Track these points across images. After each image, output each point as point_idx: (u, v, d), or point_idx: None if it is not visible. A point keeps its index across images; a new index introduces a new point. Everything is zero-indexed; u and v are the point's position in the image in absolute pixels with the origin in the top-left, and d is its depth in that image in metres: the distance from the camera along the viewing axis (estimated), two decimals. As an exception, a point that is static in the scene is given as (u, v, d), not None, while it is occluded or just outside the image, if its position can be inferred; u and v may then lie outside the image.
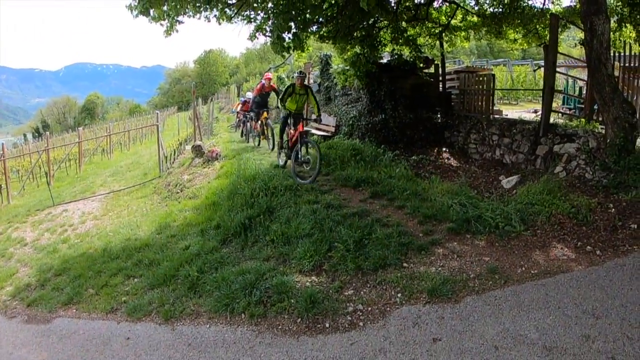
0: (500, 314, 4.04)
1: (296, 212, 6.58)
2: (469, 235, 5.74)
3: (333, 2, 9.01)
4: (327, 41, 10.53)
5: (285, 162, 9.42)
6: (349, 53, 11.11)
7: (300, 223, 6.15)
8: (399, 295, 4.52)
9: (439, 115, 12.45)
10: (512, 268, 4.91)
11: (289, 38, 8.14)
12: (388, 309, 4.39)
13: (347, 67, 11.67)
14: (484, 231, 5.75)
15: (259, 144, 13.34)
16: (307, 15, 8.13)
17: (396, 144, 10.90)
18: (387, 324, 4.15)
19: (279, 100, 9.86)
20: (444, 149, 11.43)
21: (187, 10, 7.92)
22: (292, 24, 7.97)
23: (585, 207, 6.17)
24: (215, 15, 8.29)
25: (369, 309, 4.41)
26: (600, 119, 8.35)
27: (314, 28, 9.82)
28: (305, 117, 9.77)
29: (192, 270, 5.67)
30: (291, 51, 8.75)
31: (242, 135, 16.37)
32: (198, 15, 8.17)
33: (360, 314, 4.36)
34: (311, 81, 16.23)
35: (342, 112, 12.81)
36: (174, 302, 5.20)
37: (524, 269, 4.89)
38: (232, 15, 8.31)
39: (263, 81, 13.44)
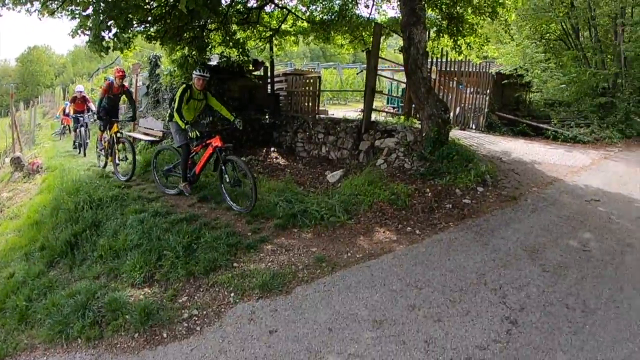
0: (330, 299, 4.34)
1: (123, 223, 6.36)
2: (295, 229, 6.10)
3: (163, 2, 8.89)
4: (154, 42, 10.22)
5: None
6: (177, 54, 10.95)
7: (128, 234, 5.95)
8: (232, 294, 4.61)
9: (267, 116, 12.90)
10: (338, 255, 5.32)
11: (110, 37, 7.72)
12: (223, 309, 4.44)
13: (175, 69, 11.48)
14: (310, 224, 6.16)
15: (105, 166, 10.04)
16: (130, 15, 7.75)
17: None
18: (223, 324, 4.21)
19: (172, 111, 7.23)
20: (272, 148, 11.92)
21: (5, 1, 7.21)
22: (111, 22, 7.55)
23: (404, 194, 7.06)
24: (37, 10, 7.48)
25: (205, 312, 4.43)
26: (417, 115, 9.49)
27: (141, 28, 9.50)
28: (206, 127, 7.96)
29: (19, 300, 5.16)
30: (111, 51, 8.27)
31: (74, 147, 13.36)
32: (19, 7, 7.38)
33: (197, 318, 4.35)
34: (139, 83, 15.52)
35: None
36: (6, 338, 4.72)
37: (349, 254, 5.34)
38: (55, 9, 7.57)
39: (111, 78, 10.12)
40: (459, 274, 4.90)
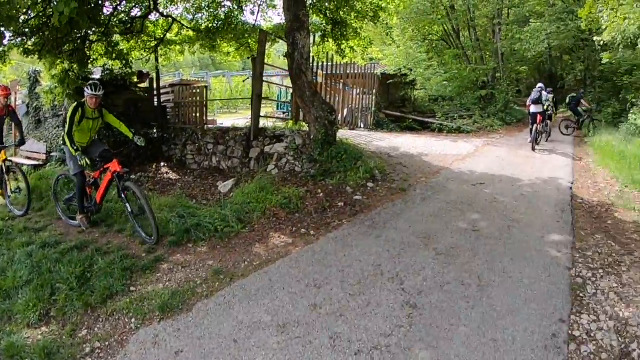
0: (232, 310, 4.34)
1: (11, 259, 5.80)
2: (190, 244, 6.03)
3: (40, 12, 8.36)
4: (32, 55, 9.54)
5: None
6: (58, 69, 10.32)
7: (17, 271, 5.44)
8: (133, 320, 4.42)
9: (155, 130, 12.58)
10: (236, 265, 5.35)
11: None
12: (125, 337, 4.25)
13: (56, 85, 10.86)
14: (204, 237, 6.13)
15: None
16: (2, 28, 7.19)
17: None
18: (127, 352, 4.03)
19: (64, 136, 6.38)
20: (162, 163, 11.68)
21: None
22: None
23: (296, 197, 7.31)
24: None
25: (107, 343, 4.21)
26: (305, 119, 9.77)
27: (17, 41, 8.93)
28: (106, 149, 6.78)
29: None
30: None
31: None
32: None
33: (99, 351, 4.12)
34: (19, 102, 14.42)
35: (54, 136, 11.92)
36: None
37: (247, 263, 5.40)
38: None
39: None
40: (356, 268, 5.13)
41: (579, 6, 19.41)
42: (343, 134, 11.48)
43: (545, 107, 14.83)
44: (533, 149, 13.71)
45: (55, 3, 6.51)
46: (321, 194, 7.70)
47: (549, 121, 16.02)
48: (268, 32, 11.54)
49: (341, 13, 11.80)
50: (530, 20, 25.19)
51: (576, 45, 27.25)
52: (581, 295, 4.72)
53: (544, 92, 14.92)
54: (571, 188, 9.19)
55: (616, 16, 11.95)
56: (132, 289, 5.01)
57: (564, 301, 4.53)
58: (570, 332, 4.04)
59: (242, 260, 5.47)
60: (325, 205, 7.29)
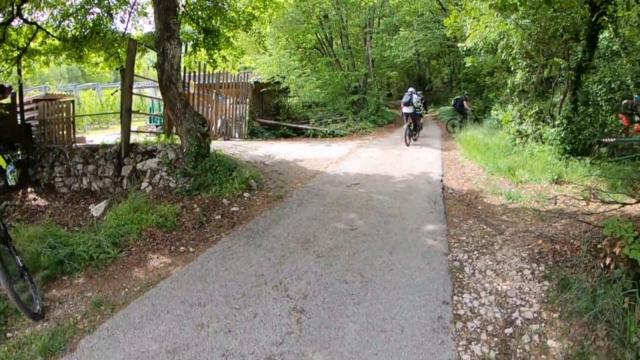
0: (117, 343, 4.21)
1: None
2: (66, 277, 5.70)
3: None
4: None
5: None
6: None
7: None
8: None
9: (19, 152, 11.60)
10: (116, 294, 5.18)
11: None
12: None
13: None
14: (80, 267, 5.81)
15: None
16: None
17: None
18: None
19: None
20: (29, 189, 10.79)
21: None
22: None
23: (172, 214, 7.21)
24: None
25: None
26: (177, 132, 9.63)
27: None
28: None
29: None
30: None
31: None
32: None
33: None
34: None
35: None
36: None
37: (127, 290, 5.26)
38: None
39: None
40: (239, 280, 5.22)
41: (445, 16, 21.31)
42: (217, 145, 11.48)
43: (415, 108, 16.41)
44: (407, 144, 15.90)
45: None
46: (197, 209, 7.67)
47: (419, 120, 17.52)
48: (138, 41, 11.21)
49: (213, 22, 11.76)
50: (400, 29, 27.04)
51: (442, 51, 29.80)
52: (460, 276, 5.24)
53: (414, 95, 16.51)
54: (442, 180, 10.05)
55: (478, 25, 13.26)
56: (8, 335, 4.65)
57: (444, 284, 4.99)
58: (454, 311, 4.47)
59: (121, 288, 5.32)
60: (202, 220, 7.28)
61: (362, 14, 26.33)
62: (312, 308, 4.56)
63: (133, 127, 10.25)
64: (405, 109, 16.31)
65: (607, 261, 4.70)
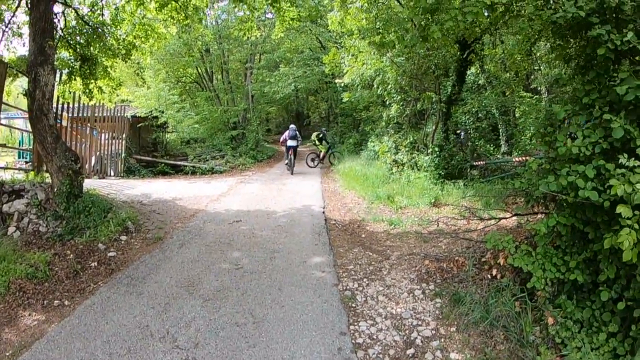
0: None
1: None
2: None
3: None
4: None
5: None
6: None
7: None
8: None
9: None
10: (-19, 360, 4.41)
11: None
12: None
13: None
14: None
15: None
16: None
17: None
18: None
19: None
20: None
21: None
22: None
23: (43, 263, 6.33)
24: None
25: None
26: (47, 169, 8.81)
27: None
28: None
29: None
30: None
31: None
32: None
33: None
34: None
35: None
36: None
37: (-4, 354, 4.50)
38: None
39: None
40: (122, 334, 4.70)
41: (324, 53, 22.08)
42: (92, 183, 10.73)
43: (299, 142, 18.74)
44: (291, 173, 18.13)
45: None
46: (71, 256, 6.87)
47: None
48: (9, 65, 10.14)
49: (92, 49, 11.06)
50: (280, 65, 27.51)
51: (320, 87, 30.77)
52: (353, 305, 5.23)
53: (296, 131, 18.44)
54: (324, 212, 10.19)
55: (356, 61, 13.91)
56: None
57: (339, 315, 4.93)
58: (353, 341, 4.42)
59: (-12, 352, 4.54)
60: (77, 268, 6.48)
61: (244, 50, 26.53)
62: (205, 357, 4.24)
63: (0, 163, 9.16)
64: (290, 142, 18.42)
65: (494, 272, 5.10)
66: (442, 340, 4.37)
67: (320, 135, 21.07)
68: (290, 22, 12.83)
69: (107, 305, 5.42)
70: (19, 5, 10.52)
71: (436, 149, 12.19)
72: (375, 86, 14.83)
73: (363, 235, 8.23)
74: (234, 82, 28.61)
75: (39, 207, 8.03)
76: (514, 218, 6.61)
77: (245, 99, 27.07)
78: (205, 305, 5.35)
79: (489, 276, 5.17)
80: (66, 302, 5.59)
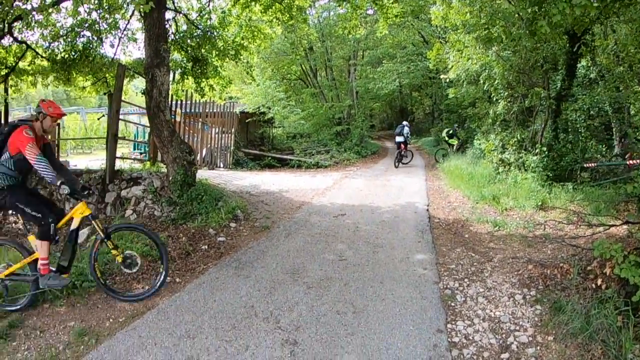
0: None
1: None
2: (47, 304, 5.44)
3: None
4: None
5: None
6: None
7: None
8: None
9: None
10: (100, 324, 4.94)
11: None
12: None
13: None
14: (61, 295, 5.54)
15: None
16: None
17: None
18: None
19: None
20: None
21: None
22: None
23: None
24: None
25: None
26: (163, 160, 9.49)
27: None
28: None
29: None
30: None
31: None
32: None
33: None
34: None
35: None
36: None
37: (112, 320, 5.02)
38: None
39: None
40: (229, 312, 5.02)
41: (428, 48, 21.71)
42: (202, 174, 11.37)
43: (405, 138, 19.27)
44: (396, 167, 19.05)
45: None
46: (183, 238, 7.47)
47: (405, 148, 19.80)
48: (127, 67, 11.13)
49: (202, 50, 11.78)
50: (383, 61, 27.42)
51: (425, 82, 30.19)
52: (452, 304, 5.17)
53: (406, 129, 19.11)
54: (428, 210, 10.05)
55: (461, 57, 13.52)
56: None
57: (437, 313, 4.91)
58: (449, 339, 4.38)
59: (106, 318, 5.08)
60: (188, 249, 7.06)
61: (347, 47, 26.76)
62: (305, 340, 4.41)
63: (117, 154, 10.06)
64: (398, 138, 19.51)
65: (599, 282, 4.77)
66: (538, 348, 4.22)
67: (451, 132, 20.90)
68: (394, 18, 12.80)
69: (215, 285, 5.82)
70: (132, 14, 11.48)
71: (544, 148, 11.57)
72: (481, 82, 14.33)
73: (466, 235, 8.07)
74: (338, 78, 28.95)
75: (154, 194, 8.80)
76: (625, 226, 6.17)
77: (349, 95, 27.30)
78: (308, 292, 5.54)
79: (593, 286, 4.86)
80: (177, 279, 6.12)
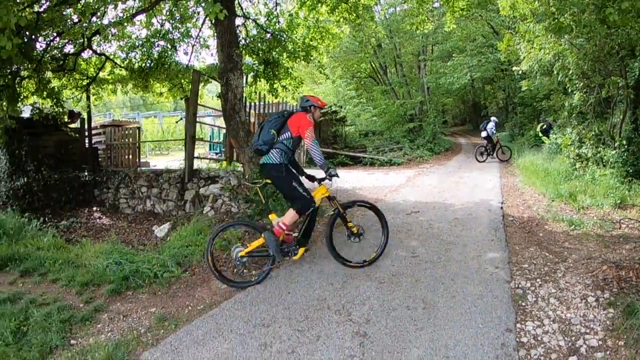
0: (180, 357, 4.25)
1: None
2: (130, 292, 5.87)
3: None
4: None
5: None
6: None
7: None
8: None
9: (86, 173, 12.27)
10: (179, 311, 5.27)
11: None
12: None
13: None
14: (144, 284, 5.98)
15: None
16: None
17: (43, 209, 10.22)
18: None
19: None
20: (95, 208, 11.38)
21: None
22: None
23: (234, 237, 7.27)
24: None
25: None
26: (239, 159, 9.83)
27: None
28: None
29: None
30: None
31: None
32: None
33: None
34: None
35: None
36: None
37: (190, 307, 5.34)
38: None
39: None
40: (302, 304, 5.20)
41: (498, 39, 20.98)
42: (276, 172, 11.62)
43: (489, 133, 19.55)
44: (479, 161, 19.27)
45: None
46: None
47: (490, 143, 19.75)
48: (201, 72, 11.63)
49: (273, 53, 12.10)
50: (453, 55, 26.83)
51: (497, 75, 29.15)
52: (523, 304, 5.07)
53: (490, 124, 19.15)
54: (501, 207, 9.80)
55: (532, 47, 12.97)
56: (72, 342, 4.80)
57: (507, 312, 4.83)
58: (518, 339, 4.32)
59: (185, 306, 5.41)
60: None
61: (415, 42, 26.47)
62: (374, 332, 4.49)
63: (194, 154, 10.57)
64: (483, 133, 19.76)
65: None
66: (608, 353, 4.05)
67: (545, 127, 19.87)
68: (460, 11, 12.60)
69: (290, 278, 6.03)
70: (204, 22, 12.03)
71: (623, 142, 10.88)
72: (555, 72, 13.63)
73: (540, 234, 7.82)
74: (408, 75, 28.69)
75: (231, 191, 9.15)
76: None
77: (420, 91, 27.02)
78: (380, 287, 5.61)
79: (670, 290, 4.66)
80: (253, 272, 6.38)
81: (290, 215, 5.90)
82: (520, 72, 16.54)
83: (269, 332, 4.59)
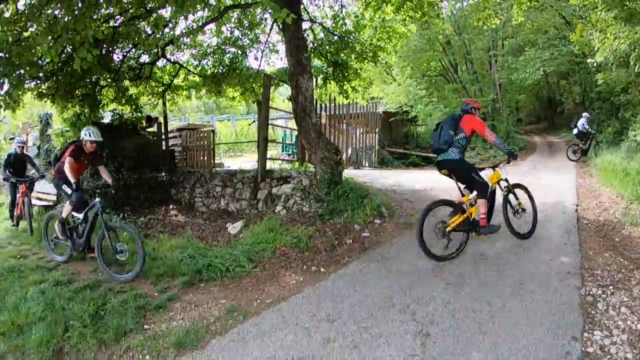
0: (246, 346, 4.40)
1: (23, 296, 5.87)
2: (202, 284, 6.16)
3: (55, 58, 8.71)
4: (46, 99, 9.96)
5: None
6: (69, 112, 10.80)
7: (30, 308, 5.46)
8: (147, 357, 4.50)
9: (163, 174, 12.82)
10: (248, 303, 5.45)
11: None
12: None
13: (67, 128, 11.28)
14: (216, 277, 6.27)
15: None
16: (22, 72, 7.34)
17: (123, 207, 10.77)
18: None
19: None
20: (171, 206, 11.83)
21: None
22: (4, 80, 7.09)
23: (305, 236, 7.46)
24: None
25: None
26: (311, 160, 9.96)
27: (32, 84, 9.04)
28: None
29: None
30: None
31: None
32: None
33: None
34: (30, 143, 14.84)
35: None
36: None
37: (259, 301, 5.50)
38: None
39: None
40: (368, 301, 5.22)
41: (571, 31, 19.81)
42: (348, 173, 11.59)
43: (580, 130, 18.07)
44: (569, 159, 18.12)
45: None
46: (330, 233, 7.82)
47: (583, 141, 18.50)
48: (272, 76, 11.88)
49: (342, 55, 12.17)
50: (525, 49, 25.68)
51: (571, 69, 27.50)
52: (592, 312, 4.82)
53: (581, 119, 17.85)
54: (576, 210, 9.31)
55: (606, 37, 12.20)
56: (145, 326, 5.09)
57: (575, 320, 4.62)
58: (583, 349, 4.11)
59: (254, 299, 5.58)
60: (334, 243, 7.42)
61: (485, 37, 25.67)
62: (437, 333, 4.43)
63: (267, 155, 10.81)
64: (575, 130, 18.42)
65: None
66: None
67: (576, 123, 19.01)
68: (528, 2, 12.20)
69: (357, 277, 6.07)
70: (271, 28, 12.30)
71: None
72: (631, 63, 12.80)
73: (616, 239, 7.36)
74: (480, 71, 27.86)
75: (303, 191, 9.34)
76: None
77: (492, 88, 26.19)
78: (446, 288, 5.52)
79: None
80: (322, 269, 6.50)
81: (481, 204, 6.64)
82: (595, 64, 15.49)
83: (333, 328, 4.65)
